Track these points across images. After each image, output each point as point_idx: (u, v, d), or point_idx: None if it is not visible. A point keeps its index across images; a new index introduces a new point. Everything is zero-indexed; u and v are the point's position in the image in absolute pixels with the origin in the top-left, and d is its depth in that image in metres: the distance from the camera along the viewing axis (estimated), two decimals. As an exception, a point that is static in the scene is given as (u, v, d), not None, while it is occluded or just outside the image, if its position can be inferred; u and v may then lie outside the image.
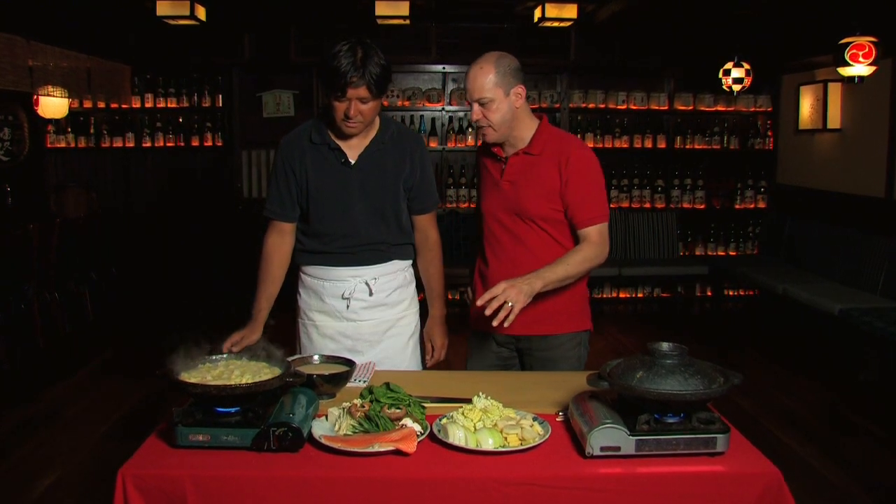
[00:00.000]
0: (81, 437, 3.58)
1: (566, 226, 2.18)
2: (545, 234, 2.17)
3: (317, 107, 6.35)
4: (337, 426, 1.63)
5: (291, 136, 2.18)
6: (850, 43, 4.67)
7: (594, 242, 2.12)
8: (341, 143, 2.13)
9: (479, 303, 1.95)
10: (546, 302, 2.15)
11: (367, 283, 2.19)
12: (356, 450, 1.52)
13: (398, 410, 1.65)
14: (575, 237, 2.17)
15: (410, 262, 2.31)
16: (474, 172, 6.35)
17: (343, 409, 1.68)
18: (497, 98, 2.09)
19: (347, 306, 2.19)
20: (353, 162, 2.13)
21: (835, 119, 5.67)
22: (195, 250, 6.67)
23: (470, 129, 6.42)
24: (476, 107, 2.11)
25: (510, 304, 1.90)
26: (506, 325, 1.91)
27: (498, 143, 2.20)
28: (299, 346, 2.32)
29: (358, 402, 1.69)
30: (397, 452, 1.52)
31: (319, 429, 1.62)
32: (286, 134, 2.21)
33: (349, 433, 1.61)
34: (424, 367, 2.36)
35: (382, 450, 1.52)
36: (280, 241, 2.21)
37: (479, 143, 2.34)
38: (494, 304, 1.91)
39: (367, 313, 2.22)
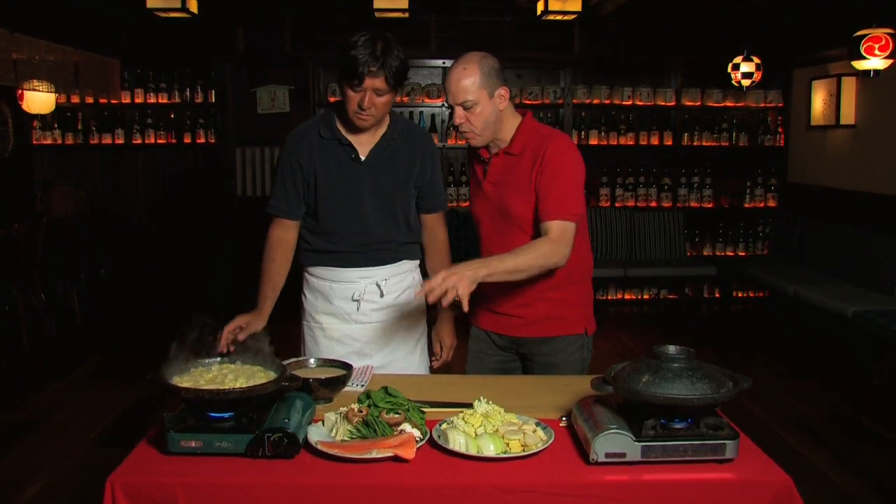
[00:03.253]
0: (69, 444, 3.58)
1: None
2: (529, 238, 2.13)
3: (313, 102, 6.35)
4: (334, 432, 1.64)
5: (298, 131, 2.19)
6: (865, 35, 4.66)
7: (552, 239, 2.02)
8: (351, 139, 2.14)
9: (417, 294, 1.97)
10: (546, 304, 2.16)
11: (377, 285, 2.21)
12: (353, 456, 1.53)
13: (397, 415, 1.65)
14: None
15: (418, 262, 2.33)
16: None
17: (340, 414, 1.69)
18: (481, 101, 2.07)
19: (357, 308, 2.21)
20: (363, 158, 2.14)
21: (849, 115, 5.67)
22: (187, 250, 6.68)
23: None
24: (459, 110, 2.09)
25: (451, 288, 1.82)
26: (444, 304, 1.84)
27: (484, 146, 2.19)
28: (304, 350, 2.33)
29: (355, 406, 1.69)
30: (396, 459, 1.53)
31: (316, 434, 1.62)
32: (291, 130, 2.21)
33: (346, 439, 1.61)
34: (431, 369, 2.37)
35: (380, 456, 1.52)
36: (284, 236, 2.23)
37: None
38: (436, 294, 1.83)
39: (377, 315, 2.23)
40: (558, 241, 2.01)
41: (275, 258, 2.20)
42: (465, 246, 6.16)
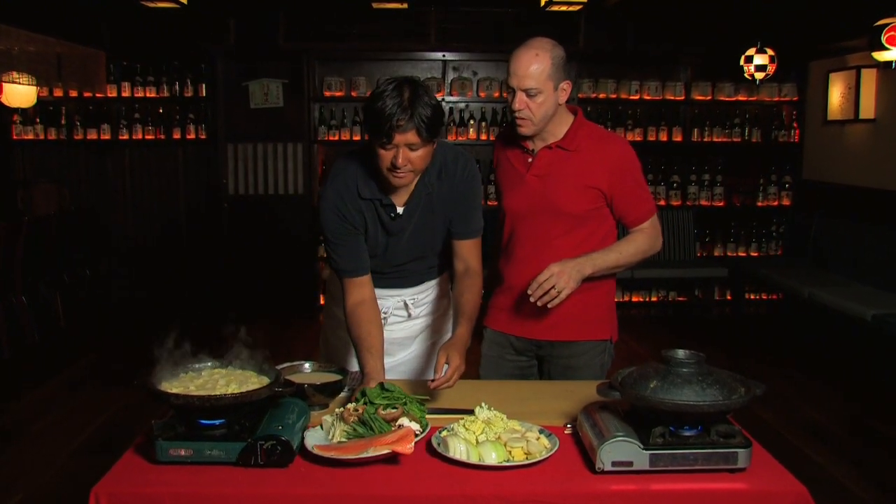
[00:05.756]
0: (50, 454, 3.58)
1: (600, 223, 2.22)
2: (575, 233, 2.20)
3: (308, 97, 6.36)
4: (330, 434, 1.65)
5: (340, 190, 2.05)
6: (886, 25, 4.65)
7: (648, 234, 2.22)
8: (389, 195, 2.06)
9: (529, 291, 2.04)
10: (571, 305, 2.18)
11: (405, 303, 2.26)
12: (349, 457, 1.53)
13: (394, 410, 1.66)
14: (605, 240, 2.23)
15: (445, 273, 2.34)
16: (489, 168, 6.36)
17: (336, 415, 1.69)
18: (545, 91, 2.09)
19: (384, 323, 2.23)
20: (400, 212, 2.08)
21: (868, 108, 5.67)
22: (176, 250, 6.68)
23: (472, 121, 6.43)
24: (521, 96, 2.10)
25: (558, 290, 2.01)
26: (549, 305, 2.03)
27: (528, 137, 2.21)
28: (324, 346, 2.37)
29: (351, 406, 1.70)
30: (391, 461, 1.53)
31: (312, 439, 1.63)
32: (328, 184, 2.08)
33: (343, 440, 1.62)
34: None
35: (376, 454, 1.52)
36: (362, 296, 2.08)
37: (495, 135, 2.35)
38: (540, 293, 2.01)
39: (402, 325, 2.30)
40: (653, 234, 2.23)
41: (360, 322, 2.03)
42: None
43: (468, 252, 2.16)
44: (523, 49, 2.10)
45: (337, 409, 1.72)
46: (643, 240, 2.21)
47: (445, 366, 1.88)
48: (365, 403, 1.70)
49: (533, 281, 2.03)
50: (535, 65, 2.07)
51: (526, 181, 2.22)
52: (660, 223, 2.27)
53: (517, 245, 2.27)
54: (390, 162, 1.88)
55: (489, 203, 6.36)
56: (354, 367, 2.20)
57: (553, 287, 2.01)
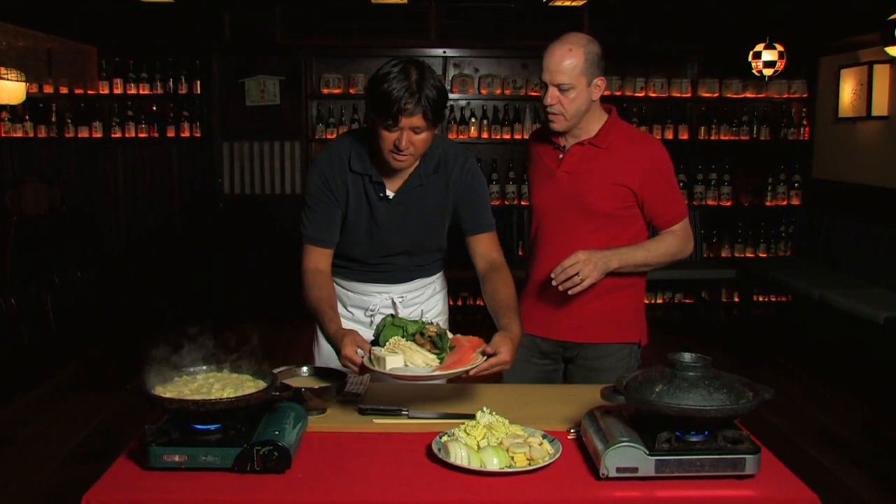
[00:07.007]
0: (40, 461, 3.58)
1: (629, 224, 2.25)
2: (603, 232, 2.23)
3: (305, 94, 6.36)
4: (421, 362, 1.75)
5: (332, 158, 2.11)
6: (900, 19, 4.65)
7: (678, 236, 2.25)
8: (382, 175, 2.08)
9: (552, 275, 2.09)
10: (601, 306, 2.22)
11: (393, 301, 2.25)
12: (467, 368, 1.72)
13: (435, 329, 1.82)
14: (634, 241, 2.25)
15: (441, 273, 2.35)
16: (491, 167, 6.36)
17: (396, 349, 1.77)
18: (579, 86, 2.13)
19: (371, 323, 2.24)
20: (390, 196, 2.09)
21: (881, 105, 5.65)
22: (170, 251, 6.69)
23: (473, 119, 6.44)
24: (553, 91, 2.14)
25: (581, 278, 2.05)
26: (570, 292, 2.08)
27: (560, 133, 2.24)
28: (317, 349, 2.38)
29: (395, 339, 1.80)
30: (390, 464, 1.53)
31: (403, 371, 1.73)
32: (321, 153, 2.15)
33: (438, 363, 1.77)
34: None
35: (482, 362, 1.75)
36: (319, 265, 2.14)
37: (497, 133, 2.38)
38: (563, 277, 2.05)
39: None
40: (684, 237, 2.26)
41: (319, 285, 2.08)
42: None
43: (486, 247, 2.15)
44: (557, 44, 2.14)
45: (392, 339, 1.80)
46: (673, 241, 2.25)
47: (482, 357, 1.78)
48: (405, 337, 1.81)
49: (558, 265, 2.08)
50: (568, 60, 2.11)
51: (556, 177, 2.26)
52: (692, 227, 2.29)
53: (544, 242, 2.32)
54: (393, 144, 1.93)
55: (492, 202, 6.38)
56: None
57: (577, 274, 2.04)
